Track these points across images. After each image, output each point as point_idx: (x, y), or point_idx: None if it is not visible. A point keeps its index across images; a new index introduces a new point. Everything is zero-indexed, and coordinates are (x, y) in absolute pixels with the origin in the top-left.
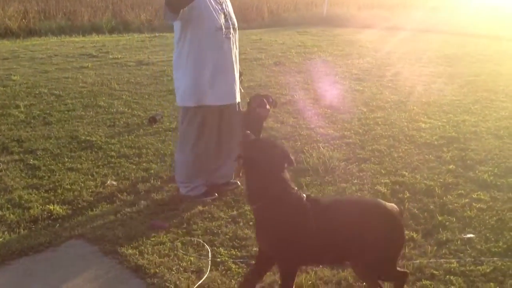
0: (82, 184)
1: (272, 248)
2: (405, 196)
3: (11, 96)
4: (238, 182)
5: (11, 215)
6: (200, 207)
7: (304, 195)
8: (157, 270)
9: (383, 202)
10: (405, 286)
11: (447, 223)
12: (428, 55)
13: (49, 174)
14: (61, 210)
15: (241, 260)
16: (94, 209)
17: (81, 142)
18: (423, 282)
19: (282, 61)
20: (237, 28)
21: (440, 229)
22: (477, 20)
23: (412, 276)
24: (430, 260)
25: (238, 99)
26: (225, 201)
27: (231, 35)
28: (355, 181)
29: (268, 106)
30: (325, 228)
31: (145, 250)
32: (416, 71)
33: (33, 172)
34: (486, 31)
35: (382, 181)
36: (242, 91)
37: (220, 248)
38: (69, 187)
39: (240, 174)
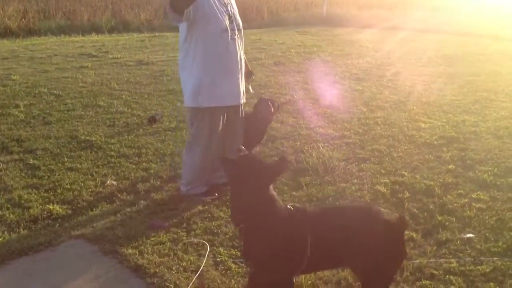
0: (82, 184)
1: (263, 265)
2: (405, 196)
3: (10, 95)
4: None
5: (11, 214)
6: (200, 207)
7: (290, 207)
8: (157, 270)
9: (380, 209)
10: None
11: (446, 223)
12: (428, 55)
13: (48, 174)
14: (61, 210)
15: (241, 260)
16: (94, 209)
17: (80, 142)
18: (423, 282)
19: (281, 61)
20: (242, 30)
21: (440, 229)
22: (477, 20)
23: (412, 276)
24: (430, 260)
25: (243, 100)
26: (225, 201)
27: (236, 37)
28: (355, 181)
29: (273, 110)
30: (313, 239)
31: (145, 249)
32: (416, 71)
33: (33, 171)
34: (486, 31)
35: (381, 181)
36: (252, 91)
37: (220, 248)
38: (68, 186)
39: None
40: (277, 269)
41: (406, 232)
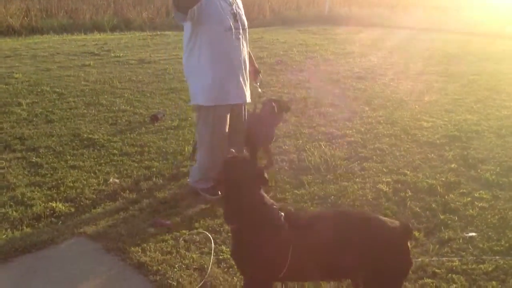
0: (85, 182)
1: (242, 267)
2: (407, 195)
3: (13, 94)
4: None
5: (14, 212)
6: (202, 205)
7: (282, 214)
8: (160, 268)
9: (380, 218)
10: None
11: (449, 221)
12: (430, 53)
13: (51, 172)
14: (63, 208)
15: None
16: (97, 207)
17: (83, 140)
18: (425, 281)
19: (283, 59)
20: (247, 29)
21: (442, 227)
22: (480, 19)
23: (414, 275)
24: (432, 259)
25: (247, 100)
26: None
27: (240, 36)
28: (357, 179)
29: (279, 111)
30: (303, 246)
31: (148, 247)
32: (418, 69)
33: (36, 169)
34: (489, 29)
35: (384, 179)
36: (260, 91)
37: (222, 246)
38: (71, 184)
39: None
40: (254, 272)
41: None
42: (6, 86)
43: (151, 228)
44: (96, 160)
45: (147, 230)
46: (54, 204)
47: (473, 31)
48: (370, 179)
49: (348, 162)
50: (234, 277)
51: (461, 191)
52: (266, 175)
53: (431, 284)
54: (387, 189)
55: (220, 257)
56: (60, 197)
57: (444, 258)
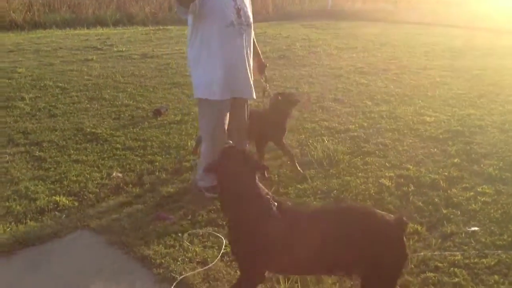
0: (88, 176)
1: (237, 256)
2: (410, 190)
3: (16, 88)
4: None
5: (18, 206)
6: (205, 200)
7: (275, 204)
8: (163, 261)
9: (376, 211)
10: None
11: (451, 216)
12: (434, 48)
13: (55, 166)
14: (67, 201)
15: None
16: (100, 201)
17: (86, 134)
18: (427, 274)
19: (286, 54)
20: (251, 24)
21: (445, 222)
22: (484, 13)
23: (416, 269)
24: (435, 253)
25: (249, 95)
26: None
27: (243, 31)
28: (360, 174)
29: (288, 104)
30: (293, 239)
31: (151, 241)
32: (422, 64)
33: (39, 163)
34: (493, 24)
35: (386, 174)
36: (267, 85)
37: (225, 239)
38: (75, 178)
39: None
40: (248, 262)
41: (411, 225)
42: (9, 81)
43: (154, 222)
44: (99, 154)
45: (150, 223)
46: (57, 198)
47: (477, 26)
48: (373, 173)
49: (351, 157)
50: (237, 271)
51: (464, 185)
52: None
53: (433, 278)
54: (390, 183)
55: (223, 251)
56: (64, 191)
57: (446, 252)
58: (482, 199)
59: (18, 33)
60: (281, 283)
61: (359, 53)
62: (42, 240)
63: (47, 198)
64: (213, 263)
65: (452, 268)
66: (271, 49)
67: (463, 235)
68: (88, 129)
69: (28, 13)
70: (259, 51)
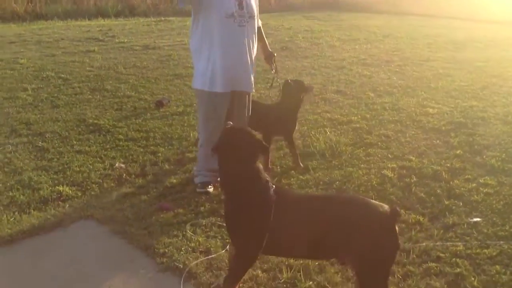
0: (91, 166)
1: (232, 235)
2: (412, 181)
3: (18, 79)
4: None
5: (21, 196)
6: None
7: (273, 186)
8: (166, 250)
9: (369, 200)
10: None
11: (453, 207)
12: (437, 40)
13: (57, 156)
14: (70, 192)
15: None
16: (103, 191)
17: (89, 125)
18: (429, 265)
19: (288, 46)
20: (255, 16)
21: (447, 213)
22: (486, 5)
23: (418, 259)
24: (437, 243)
25: (247, 88)
26: None
27: (245, 23)
28: (362, 165)
29: (299, 92)
30: (288, 221)
31: (154, 230)
32: (424, 56)
33: (42, 154)
34: (496, 16)
35: (389, 165)
36: (276, 74)
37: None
38: (77, 169)
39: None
40: (241, 241)
41: (413, 216)
42: (12, 72)
43: (157, 212)
44: (102, 145)
45: (153, 214)
46: (61, 188)
47: (479, 18)
48: (375, 165)
49: (353, 148)
50: None
51: (466, 177)
52: (265, 143)
53: (435, 268)
54: (392, 175)
55: (227, 240)
56: (67, 181)
57: (448, 243)
58: (484, 190)
59: (20, 24)
60: (284, 272)
61: (362, 44)
62: (46, 230)
63: (50, 188)
64: (217, 253)
65: (454, 259)
66: (273, 40)
67: (465, 226)
68: (91, 120)
69: (29, 4)
70: (266, 41)
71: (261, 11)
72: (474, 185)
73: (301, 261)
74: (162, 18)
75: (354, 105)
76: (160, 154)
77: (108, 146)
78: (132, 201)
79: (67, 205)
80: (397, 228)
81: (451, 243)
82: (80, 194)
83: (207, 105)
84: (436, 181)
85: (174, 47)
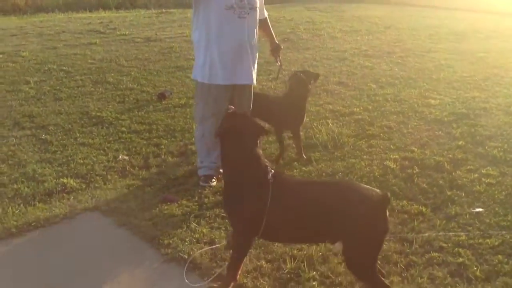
0: (95, 159)
1: (230, 218)
2: (414, 172)
3: (20, 72)
4: None
5: (26, 188)
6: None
7: (272, 171)
8: (171, 241)
9: (361, 185)
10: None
11: (456, 197)
12: (438, 31)
13: (61, 149)
14: (74, 184)
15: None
16: (107, 183)
17: (91, 117)
18: (432, 254)
19: (290, 37)
20: (256, 8)
21: (449, 203)
22: None
23: (421, 249)
24: (439, 233)
25: (247, 80)
26: None
27: (246, 15)
28: (365, 156)
29: (307, 82)
30: (284, 206)
31: (159, 222)
32: (426, 47)
33: (46, 146)
34: (497, 7)
35: (391, 156)
36: (281, 66)
37: None
38: (81, 161)
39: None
40: (239, 224)
41: (415, 206)
42: (13, 64)
43: (161, 204)
44: (105, 137)
45: (157, 205)
46: (65, 180)
47: (480, 9)
48: (378, 156)
49: (355, 140)
50: None
51: (468, 167)
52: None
53: (438, 258)
54: (395, 166)
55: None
56: (71, 174)
57: (451, 233)
58: (486, 181)
59: (21, 17)
60: (288, 263)
61: (364, 36)
62: (51, 222)
63: (54, 180)
64: (221, 243)
65: (456, 248)
66: (274, 32)
67: (467, 216)
68: (93, 113)
69: None
70: (273, 33)
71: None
72: (476, 175)
73: (305, 252)
74: (163, 10)
75: (356, 96)
76: (163, 146)
77: (111, 139)
78: (136, 193)
79: (72, 197)
80: (387, 212)
81: (453, 233)
82: (84, 186)
83: (207, 97)
84: (439, 172)
85: (176, 39)
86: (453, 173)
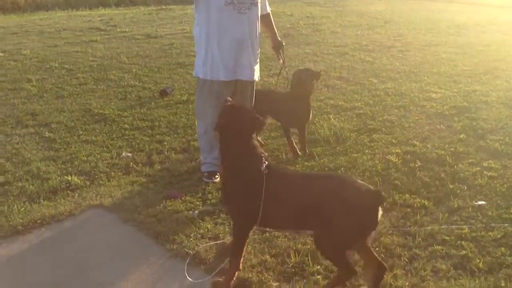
0: (98, 156)
1: (228, 208)
2: (416, 165)
3: (22, 70)
4: None
5: (31, 186)
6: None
7: (266, 163)
8: (176, 237)
9: (355, 180)
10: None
11: (458, 191)
12: (439, 25)
13: (65, 147)
14: (79, 181)
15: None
16: (111, 180)
17: (94, 115)
18: (435, 247)
19: (290, 33)
20: (257, 3)
21: (452, 196)
22: None
23: (424, 242)
24: (442, 227)
25: (247, 77)
26: None
27: (247, 10)
28: (366, 151)
29: (310, 80)
30: (276, 196)
31: (163, 218)
32: (427, 41)
33: (49, 144)
34: (497, 0)
35: (393, 150)
36: (283, 63)
37: None
38: (85, 158)
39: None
40: (237, 214)
41: (418, 200)
42: (15, 63)
43: (165, 200)
44: (108, 134)
45: (161, 201)
46: (69, 178)
47: (481, 2)
48: (380, 150)
49: (357, 134)
50: (248, 246)
51: (470, 161)
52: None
53: (441, 251)
54: (397, 160)
55: None
56: (75, 171)
57: (453, 226)
58: (488, 174)
59: (21, 15)
60: (292, 257)
61: (364, 30)
62: (56, 219)
63: (59, 178)
64: (226, 238)
65: (459, 241)
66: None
67: (469, 209)
68: (96, 110)
69: None
70: (275, 29)
71: None
72: (478, 168)
73: (309, 246)
74: (163, 7)
75: (357, 91)
76: (166, 143)
77: (114, 136)
78: (140, 189)
79: (76, 194)
80: (379, 209)
81: (456, 226)
82: (88, 184)
83: (208, 93)
84: (440, 165)
85: (176, 35)
86: (455, 167)
